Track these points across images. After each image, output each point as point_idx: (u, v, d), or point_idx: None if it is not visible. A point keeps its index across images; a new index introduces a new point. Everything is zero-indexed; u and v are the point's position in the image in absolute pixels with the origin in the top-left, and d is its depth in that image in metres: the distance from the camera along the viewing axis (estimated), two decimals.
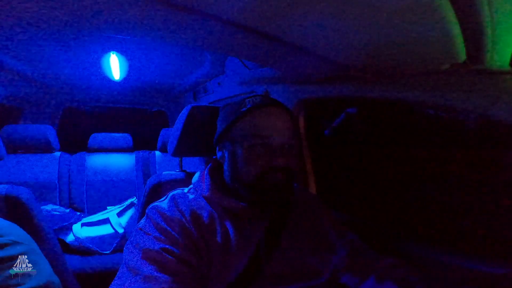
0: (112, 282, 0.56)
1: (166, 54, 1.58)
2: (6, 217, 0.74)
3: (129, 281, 0.53)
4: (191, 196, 0.69)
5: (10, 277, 0.62)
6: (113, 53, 1.47)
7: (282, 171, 0.64)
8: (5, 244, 0.66)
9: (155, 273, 0.52)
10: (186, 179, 1.01)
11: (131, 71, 1.83)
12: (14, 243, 0.67)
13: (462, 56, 0.59)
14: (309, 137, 1.28)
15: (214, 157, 0.78)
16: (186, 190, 0.73)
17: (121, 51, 1.48)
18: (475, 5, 0.48)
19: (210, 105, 1.07)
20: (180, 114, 0.99)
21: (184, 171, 1.07)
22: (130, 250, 0.58)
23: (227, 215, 0.66)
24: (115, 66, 1.64)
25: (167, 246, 0.56)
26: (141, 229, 0.61)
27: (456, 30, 0.53)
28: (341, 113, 1.48)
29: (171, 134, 1.02)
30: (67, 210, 1.78)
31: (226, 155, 0.70)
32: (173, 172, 1.04)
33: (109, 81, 2.07)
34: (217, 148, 0.74)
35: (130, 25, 0.71)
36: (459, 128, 1.05)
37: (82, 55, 1.53)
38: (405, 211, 1.18)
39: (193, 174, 0.95)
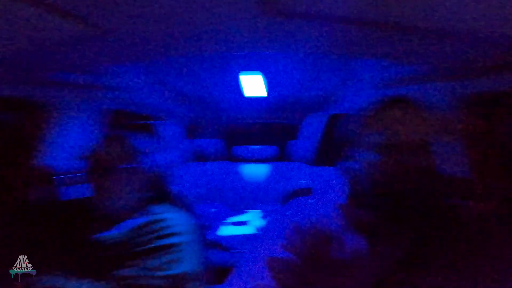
0: (229, 277, 0.60)
1: (295, 68, 1.62)
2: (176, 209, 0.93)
3: (243, 282, 0.56)
4: (321, 206, 0.68)
5: (165, 262, 0.77)
6: (245, 73, 1.66)
7: (420, 173, 0.56)
8: (171, 234, 0.82)
9: (267, 280, 0.54)
10: (321, 189, 1.00)
11: (269, 88, 2.00)
12: (179, 233, 0.83)
13: None
14: (484, 143, 1.00)
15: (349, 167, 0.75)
16: (317, 199, 0.73)
17: (258, 69, 1.64)
18: None
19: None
20: (316, 124, 1.00)
21: (320, 181, 1.07)
22: (254, 253, 0.61)
23: (358, 228, 0.62)
24: (254, 84, 1.85)
25: (288, 255, 0.57)
26: (269, 235, 0.64)
27: None
28: None
29: (306, 143, 1.03)
30: (220, 210, 2.12)
31: (357, 165, 0.66)
32: (309, 181, 1.07)
33: (253, 100, 2.35)
34: (350, 160, 0.71)
35: (254, 41, 0.78)
36: None
37: (229, 76, 1.79)
38: None
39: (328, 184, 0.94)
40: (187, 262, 0.81)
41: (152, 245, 0.79)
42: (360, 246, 0.59)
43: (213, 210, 2.10)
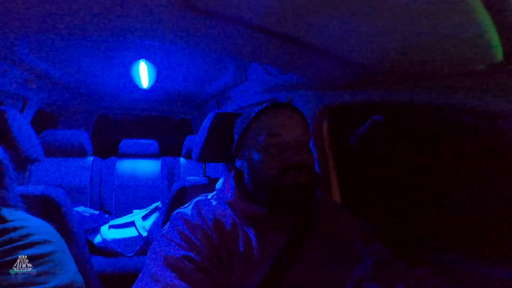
0: (133, 286, 0.56)
1: (191, 62, 1.63)
2: (40, 216, 0.77)
3: (149, 287, 0.53)
4: (214, 203, 0.70)
5: (38, 275, 0.64)
6: (142, 61, 1.54)
7: (299, 169, 0.63)
8: (37, 243, 0.68)
9: (175, 280, 0.53)
10: (209, 185, 1.02)
11: (158, 80, 1.91)
12: (45, 241, 0.69)
13: (499, 56, 0.56)
14: (334, 144, 1.25)
15: (236, 164, 0.78)
16: (209, 196, 0.74)
17: (149, 59, 1.55)
18: (508, 3, 0.45)
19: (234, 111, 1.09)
20: (204, 121, 1.01)
21: (208, 177, 1.09)
22: (153, 256, 0.59)
23: (249, 222, 0.66)
24: (144, 74, 1.72)
25: (188, 254, 0.57)
26: (164, 235, 0.62)
27: (490, 29, 0.50)
28: (367, 120, 1.43)
29: (196, 140, 1.04)
30: (97, 212, 1.86)
31: (244, 163, 0.71)
32: (197, 177, 1.06)
33: (138, 89, 2.18)
34: (237, 159, 0.75)
35: (156, 30, 0.74)
36: (498, 136, 0.97)
37: (114, 64, 1.62)
38: (434, 220, 1.11)
39: (216, 180, 0.95)
40: (63, 273, 0.71)
41: (14, 256, 0.64)
42: (251, 237, 0.63)
43: (86, 214, 1.82)
